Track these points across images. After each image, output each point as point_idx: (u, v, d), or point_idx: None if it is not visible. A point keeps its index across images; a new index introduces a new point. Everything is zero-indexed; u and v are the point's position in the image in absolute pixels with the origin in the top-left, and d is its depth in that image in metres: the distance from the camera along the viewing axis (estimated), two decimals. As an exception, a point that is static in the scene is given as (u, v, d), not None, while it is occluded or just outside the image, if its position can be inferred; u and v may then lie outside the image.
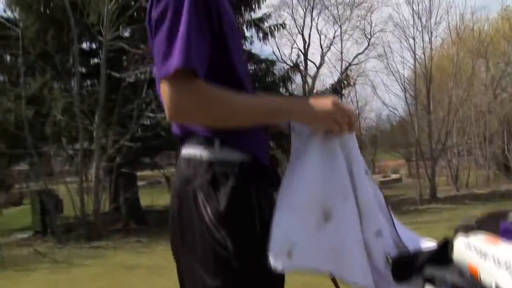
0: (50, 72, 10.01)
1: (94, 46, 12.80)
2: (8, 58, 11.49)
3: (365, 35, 29.06)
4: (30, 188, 14.94)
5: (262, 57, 15.12)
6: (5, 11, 11.61)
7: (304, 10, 30.85)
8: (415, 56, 15.01)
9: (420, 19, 15.20)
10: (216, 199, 1.19)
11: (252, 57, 14.43)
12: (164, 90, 1.15)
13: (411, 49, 15.06)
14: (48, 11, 9.83)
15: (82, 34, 10.83)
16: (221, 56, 1.24)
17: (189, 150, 1.27)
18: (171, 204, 1.29)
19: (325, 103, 1.23)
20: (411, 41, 15.06)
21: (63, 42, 10.12)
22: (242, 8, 13.83)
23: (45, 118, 9.90)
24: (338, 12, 29.53)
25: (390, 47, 18.06)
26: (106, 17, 9.08)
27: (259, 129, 1.30)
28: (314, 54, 38.53)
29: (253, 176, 1.25)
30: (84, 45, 13.25)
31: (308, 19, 30.75)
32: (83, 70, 13.73)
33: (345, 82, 15.08)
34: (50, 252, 8.71)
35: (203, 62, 1.17)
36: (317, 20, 31.15)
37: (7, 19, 10.27)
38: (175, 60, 1.12)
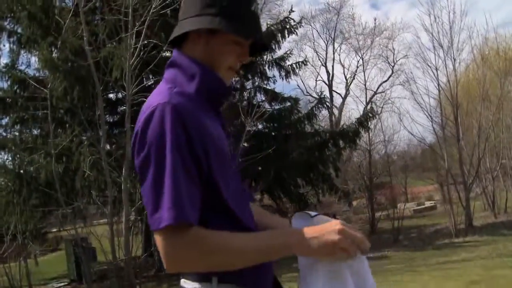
0: (77, 128, 10.31)
1: (120, 95, 13.16)
2: (40, 113, 11.94)
3: (389, 63, 29.07)
4: (64, 236, 15.22)
5: (286, 94, 15.24)
6: (34, 74, 12.11)
7: (326, 42, 31.19)
8: (438, 85, 14.79)
9: (442, 46, 15.01)
10: None
11: (275, 96, 14.55)
12: (158, 241, 1.12)
13: (435, 77, 14.86)
14: (74, 70, 10.15)
15: (107, 87, 11.15)
16: (213, 195, 1.21)
17: (187, 285, 1.26)
18: None
19: (330, 232, 1.15)
20: (434, 70, 14.85)
21: (89, 97, 10.44)
22: (263, 49, 14.02)
23: (74, 172, 10.16)
24: (358, 43, 29.71)
25: (413, 78, 17.86)
26: (128, 73, 9.32)
27: None
28: (339, 85, 38.43)
29: None
30: (111, 95, 13.69)
31: (330, 51, 31.03)
32: (112, 119, 14.16)
33: (370, 114, 14.98)
34: (83, 307, 8.84)
35: (195, 207, 1.14)
36: (339, 51, 31.34)
37: (37, 80, 10.67)
38: (165, 215, 1.09)
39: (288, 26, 13.93)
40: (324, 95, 21.03)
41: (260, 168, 13.02)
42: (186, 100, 1.21)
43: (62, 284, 12.64)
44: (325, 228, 1.17)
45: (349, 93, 30.05)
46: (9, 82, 12.33)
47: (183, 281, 1.29)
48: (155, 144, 1.14)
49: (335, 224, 1.17)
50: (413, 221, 18.14)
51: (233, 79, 13.57)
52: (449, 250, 10.60)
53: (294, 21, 14.12)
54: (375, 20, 42.21)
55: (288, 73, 15.03)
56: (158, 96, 1.22)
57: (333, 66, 30.73)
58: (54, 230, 17.77)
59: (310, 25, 30.92)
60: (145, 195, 1.15)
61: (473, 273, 7.46)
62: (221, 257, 1.15)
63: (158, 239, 1.12)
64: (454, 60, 15.35)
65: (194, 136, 1.16)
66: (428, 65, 15.00)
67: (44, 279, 13.44)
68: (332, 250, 1.15)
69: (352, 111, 34.06)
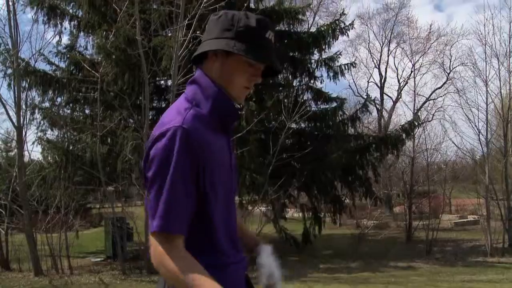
0: (124, 112, 10.76)
1: (169, 82, 13.57)
2: (91, 95, 12.51)
3: (444, 69, 28.22)
4: (105, 214, 15.88)
5: (333, 94, 15.08)
6: (91, 55, 12.73)
7: (381, 44, 30.62)
8: (487, 96, 14.28)
9: (498, 58, 14.53)
10: None
11: (321, 95, 14.55)
12: (150, 240, 1.39)
13: (485, 88, 14.37)
14: (125, 58, 10.56)
15: (156, 74, 11.55)
16: (199, 205, 1.42)
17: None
18: None
19: None
20: (485, 82, 14.37)
21: (137, 84, 10.86)
22: (313, 47, 14.03)
23: (118, 154, 10.63)
24: (411, 47, 29.01)
25: (463, 88, 17.38)
26: (175, 64, 9.64)
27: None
28: (391, 88, 37.39)
29: None
30: (161, 81, 14.15)
31: (384, 53, 30.47)
32: (160, 105, 14.61)
33: (416, 123, 14.74)
34: (113, 283, 9.29)
35: (182, 220, 1.37)
36: (394, 54, 30.74)
37: (92, 63, 11.15)
38: (155, 223, 1.35)
39: (338, 28, 13.86)
40: (375, 97, 20.86)
41: (297, 166, 13.13)
42: (197, 122, 1.43)
43: (99, 259, 13.24)
44: None
45: (400, 97, 29.50)
46: (66, 63, 13.00)
47: None
48: (163, 163, 1.37)
49: None
50: (452, 234, 17.77)
51: (279, 76, 13.58)
52: (479, 269, 10.34)
53: (344, 23, 14.04)
54: (430, 26, 41.10)
55: (336, 74, 14.93)
56: (175, 116, 1.44)
57: (386, 69, 30.21)
58: (98, 206, 18.57)
59: (367, 26, 30.50)
60: (150, 203, 1.40)
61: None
62: (171, 276, 1.34)
63: (150, 239, 1.38)
64: (510, 72, 14.83)
65: (197, 156, 1.39)
66: (480, 75, 14.58)
67: (83, 252, 14.11)
68: None
69: (401, 116, 33.19)
